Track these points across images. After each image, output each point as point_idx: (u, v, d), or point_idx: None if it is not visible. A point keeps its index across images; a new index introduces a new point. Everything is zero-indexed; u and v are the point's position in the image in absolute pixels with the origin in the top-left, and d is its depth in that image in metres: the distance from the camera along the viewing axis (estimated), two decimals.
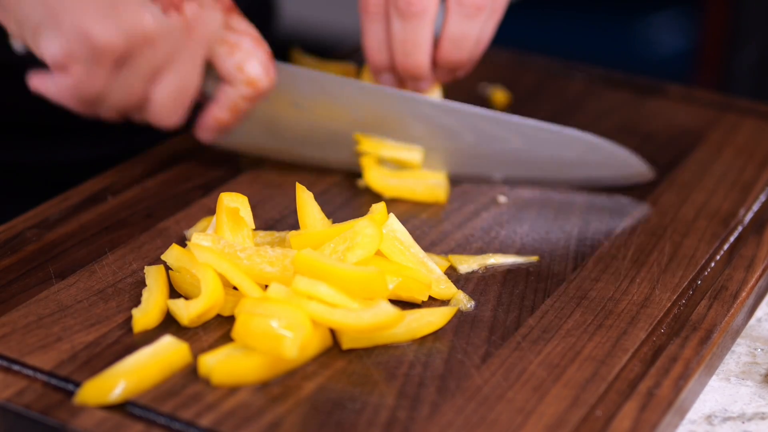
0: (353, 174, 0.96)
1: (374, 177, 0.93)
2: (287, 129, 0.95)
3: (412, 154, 0.95)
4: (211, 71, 0.88)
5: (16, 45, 0.87)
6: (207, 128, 0.90)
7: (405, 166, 0.95)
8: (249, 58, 0.87)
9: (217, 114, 0.89)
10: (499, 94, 1.10)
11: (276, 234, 0.84)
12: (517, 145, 0.95)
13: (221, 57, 0.87)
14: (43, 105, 1.05)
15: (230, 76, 0.87)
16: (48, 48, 0.81)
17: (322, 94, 0.94)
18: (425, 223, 0.90)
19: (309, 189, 0.82)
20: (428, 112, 0.95)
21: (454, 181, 0.96)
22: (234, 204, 0.80)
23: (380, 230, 0.78)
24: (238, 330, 0.72)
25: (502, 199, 0.93)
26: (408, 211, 0.92)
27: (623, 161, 0.96)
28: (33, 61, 0.87)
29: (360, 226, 0.78)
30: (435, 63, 0.96)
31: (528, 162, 0.96)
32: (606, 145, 0.95)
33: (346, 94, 0.94)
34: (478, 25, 0.94)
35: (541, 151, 0.95)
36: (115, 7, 0.81)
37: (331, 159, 0.96)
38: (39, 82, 0.84)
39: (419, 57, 0.94)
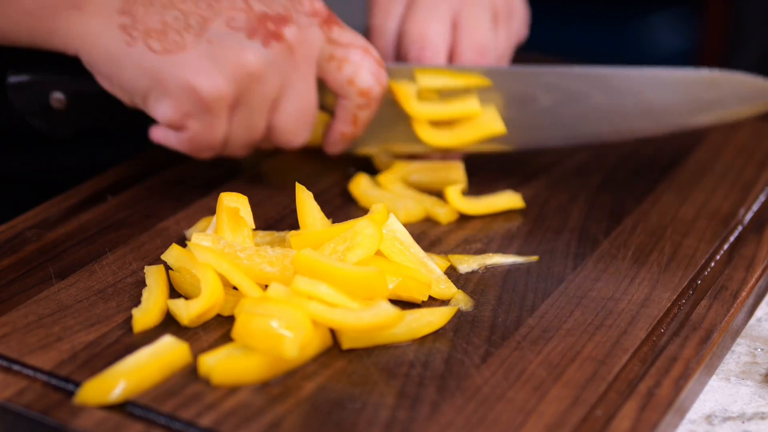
0: (352, 174, 0.96)
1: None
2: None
3: (469, 103, 0.93)
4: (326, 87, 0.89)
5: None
6: (335, 143, 0.91)
7: (462, 118, 0.93)
8: (358, 70, 0.87)
9: (341, 129, 0.90)
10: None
11: (276, 234, 0.84)
12: (651, 96, 0.93)
13: (331, 73, 0.87)
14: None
15: (342, 91, 0.88)
16: (161, 112, 0.83)
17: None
18: (425, 223, 0.90)
19: (308, 189, 0.82)
20: (551, 80, 0.93)
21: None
22: (234, 204, 0.80)
23: (380, 230, 0.78)
24: (238, 330, 0.72)
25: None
26: None
27: (760, 91, 0.93)
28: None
29: (360, 226, 0.78)
30: None
31: (665, 110, 0.93)
32: (734, 75, 0.93)
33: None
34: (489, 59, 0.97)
35: (675, 97, 0.93)
36: (215, 55, 0.81)
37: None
38: (161, 136, 0.86)
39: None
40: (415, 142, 0.94)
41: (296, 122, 0.87)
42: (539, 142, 0.96)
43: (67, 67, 0.87)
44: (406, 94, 0.92)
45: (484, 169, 0.98)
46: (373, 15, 1.00)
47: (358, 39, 0.88)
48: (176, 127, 0.84)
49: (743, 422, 0.73)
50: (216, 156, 0.88)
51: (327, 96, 0.91)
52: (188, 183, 0.94)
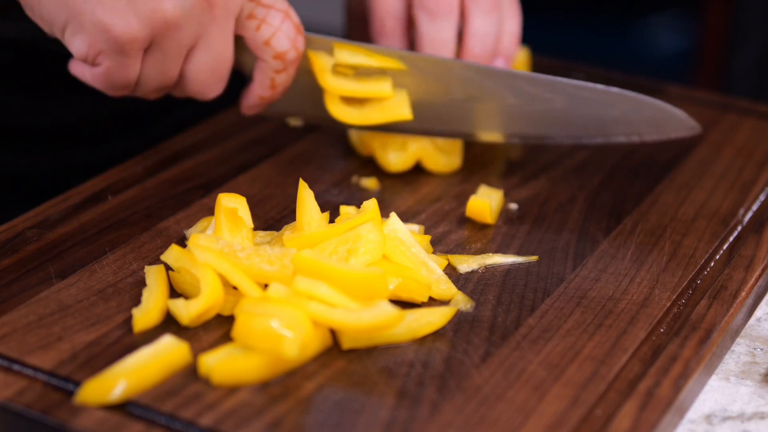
0: (353, 174, 0.96)
1: (337, 108, 0.93)
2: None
3: (382, 85, 0.94)
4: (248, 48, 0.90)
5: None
6: (252, 106, 0.92)
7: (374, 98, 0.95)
8: (275, 32, 0.87)
9: (257, 91, 0.91)
10: None
11: (275, 234, 0.84)
12: (561, 105, 0.95)
13: (249, 31, 0.88)
14: (37, 110, 1.05)
15: (259, 51, 0.88)
16: (74, 45, 0.83)
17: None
18: (425, 223, 0.90)
19: (309, 187, 0.82)
20: (465, 74, 0.95)
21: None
22: (232, 204, 0.80)
23: (383, 234, 0.79)
24: (238, 330, 0.72)
25: (513, 206, 0.93)
26: (408, 210, 0.92)
27: (668, 117, 0.95)
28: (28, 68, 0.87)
29: (364, 230, 0.78)
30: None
31: (571, 122, 0.95)
32: (650, 101, 0.95)
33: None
34: (495, 19, 0.98)
35: (584, 110, 0.95)
36: None
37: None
38: (77, 69, 0.87)
39: (447, 55, 0.97)
40: (326, 115, 0.95)
41: (209, 74, 0.87)
42: (450, 133, 0.97)
43: None
44: (322, 65, 0.92)
45: (483, 169, 0.98)
46: None
47: (280, 2, 0.89)
48: (90, 62, 0.84)
49: (743, 422, 0.73)
50: (129, 95, 0.88)
51: (246, 55, 0.91)
52: (188, 183, 0.94)
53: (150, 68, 0.85)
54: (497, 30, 0.98)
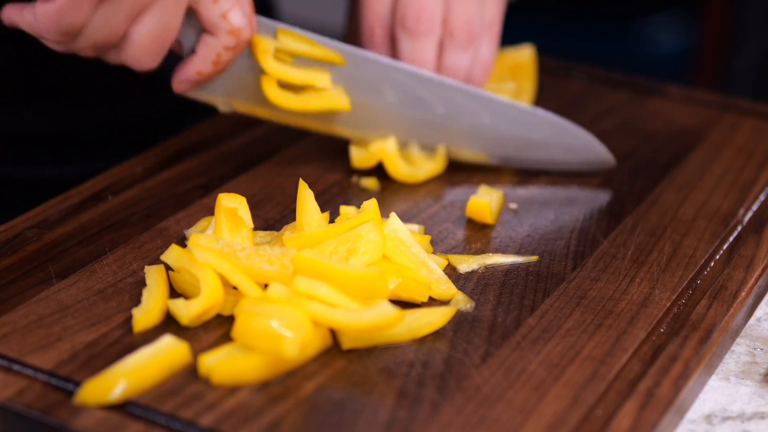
0: (353, 174, 0.96)
1: (273, 93, 0.93)
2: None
3: (321, 75, 0.94)
4: (192, 24, 0.88)
5: None
6: (186, 80, 0.91)
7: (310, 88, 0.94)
8: (233, 7, 0.87)
9: (198, 66, 0.89)
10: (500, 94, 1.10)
11: (275, 234, 0.84)
12: (485, 121, 0.96)
13: (205, 5, 0.86)
14: (31, 119, 1.05)
15: (213, 25, 0.87)
16: None
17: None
18: (425, 223, 0.90)
19: (309, 187, 0.82)
20: (401, 79, 0.95)
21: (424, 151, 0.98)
22: (232, 204, 0.80)
23: (383, 234, 0.79)
24: (238, 330, 0.72)
25: (513, 206, 0.93)
26: (408, 210, 0.92)
27: (587, 147, 0.97)
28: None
29: (364, 230, 0.78)
30: None
31: (493, 139, 0.97)
32: (572, 128, 0.96)
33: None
34: (469, 54, 0.98)
35: (506, 128, 0.96)
36: None
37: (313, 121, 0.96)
38: (15, 13, 0.84)
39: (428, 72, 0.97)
40: (258, 103, 0.94)
41: (153, 41, 0.85)
42: (379, 134, 0.97)
43: None
44: (265, 48, 0.92)
45: (483, 169, 0.98)
46: None
47: None
48: None
49: (743, 422, 0.73)
50: (64, 48, 0.85)
51: (190, 36, 0.90)
52: (188, 183, 0.94)
53: (99, 19, 0.83)
54: (470, 63, 0.99)
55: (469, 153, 0.98)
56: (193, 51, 0.90)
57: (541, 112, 0.96)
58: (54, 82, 1.03)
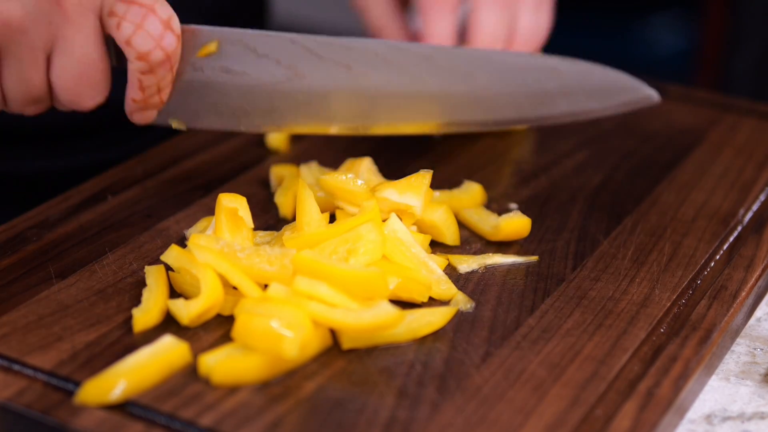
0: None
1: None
2: (223, 98, 0.86)
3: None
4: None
5: None
6: (130, 112, 0.83)
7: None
8: (136, 31, 0.78)
9: (130, 94, 0.82)
10: None
11: (275, 234, 0.84)
12: (484, 82, 0.88)
13: (112, 30, 0.78)
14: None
15: (124, 51, 0.79)
16: None
17: (253, 54, 0.85)
18: None
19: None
20: (394, 56, 0.87)
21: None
22: (232, 204, 0.80)
23: (383, 234, 0.78)
24: (238, 330, 0.72)
25: (513, 206, 0.93)
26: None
27: (621, 87, 0.89)
28: None
29: (364, 230, 0.78)
30: None
31: (498, 102, 0.88)
32: (597, 70, 0.88)
33: (279, 49, 0.85)
34: (506, 13, 0.93)
35: (516, 85, 0.88)
36: None
37: (273, 125, 0.88)
38: None
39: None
40: (217, 118, 0.86)
41: (77, 80, 0.78)
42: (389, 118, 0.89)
43: None
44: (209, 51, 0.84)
45: (483, 169, 0.98)
46: None
47: None
48: None
49: (743, 422, 0.73)
50: (7, 110, 0.80)
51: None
52: (188, 183, 0.94)
53: (8, 79, 0.78)
54: (508, 25, 0.92)
55: (481, 118, 0.88)
56: None
57: (553, 60, 0.86)
58: None
